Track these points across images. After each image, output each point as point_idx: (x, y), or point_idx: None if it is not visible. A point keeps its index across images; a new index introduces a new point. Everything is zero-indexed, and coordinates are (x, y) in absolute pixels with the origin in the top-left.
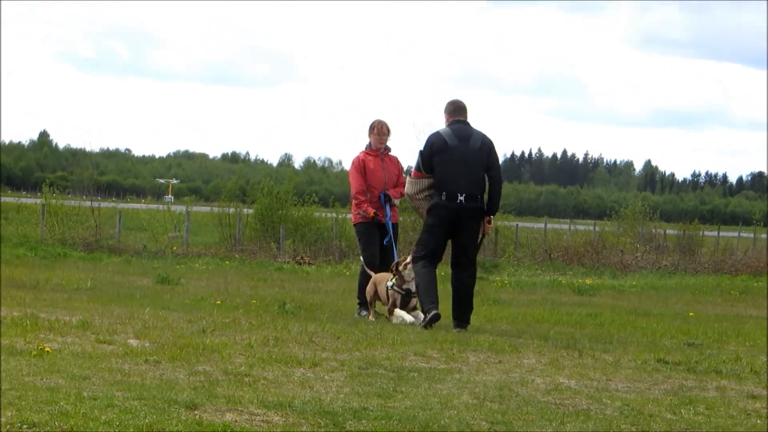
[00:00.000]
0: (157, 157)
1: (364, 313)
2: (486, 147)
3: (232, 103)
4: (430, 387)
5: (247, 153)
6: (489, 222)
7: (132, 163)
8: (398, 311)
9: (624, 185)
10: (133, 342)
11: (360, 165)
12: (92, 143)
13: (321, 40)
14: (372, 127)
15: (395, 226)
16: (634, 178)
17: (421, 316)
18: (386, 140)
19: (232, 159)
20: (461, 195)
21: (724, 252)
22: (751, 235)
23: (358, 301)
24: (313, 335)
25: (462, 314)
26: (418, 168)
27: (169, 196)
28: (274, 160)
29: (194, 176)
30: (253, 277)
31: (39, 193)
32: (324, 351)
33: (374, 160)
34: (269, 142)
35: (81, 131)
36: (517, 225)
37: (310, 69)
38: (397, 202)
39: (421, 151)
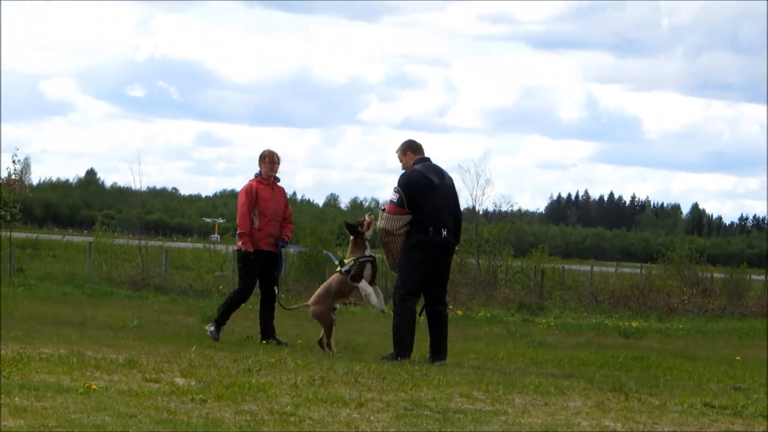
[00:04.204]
0: (203, 196)
1: (212, 329)
2: (454, 184)
3: (278, 142)
4: (475, 429)
5: (294, 193)
6: (455, 254)
7: (178, 202)
8: (366, 285)
9: (671, 228)
10: (179, 380)
11: (252, 193)
12: (140, 182)
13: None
14: (263, 156)
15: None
16: (681, 222)
17: (379, 297)
18: (277, 169)
19: None
20: (445, 230)
21: None
22: None
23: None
24: (359, 375)
25: (443, 347)
26: (400, 204)
27: (215, 235)
28: (320, 200)
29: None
30: (298, 317)
31: (86, 231)
32: (369, 391)
33: (266, 189)
34: (315, 183)
35: (128, 170)
36: (563, 267)
37: (355, 110)
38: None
39: (402, 188)
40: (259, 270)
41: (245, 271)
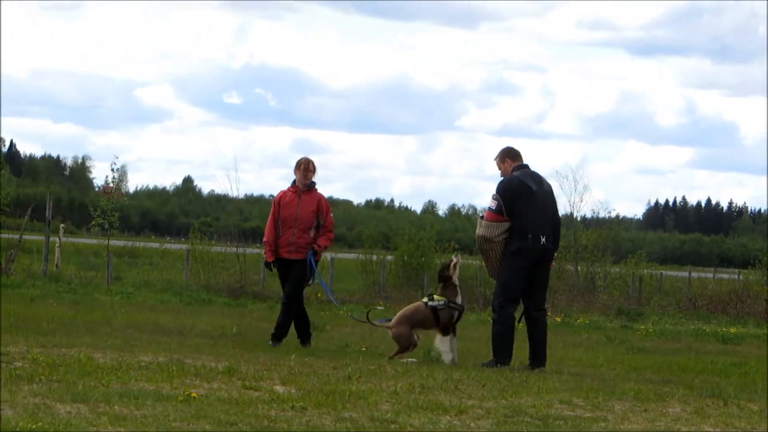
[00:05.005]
0: None
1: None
2: (552, 190)
3: (376, 149)
4: None
5: (392, 200)
6: (553, 260)
7: None
8: (443, 341)
9: None
10: (279, 388)
11: (276, 203)
12: (237, 189)
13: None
14: (299, 164)
15: (315, 263)
16: None
17: (454, 350)
18: (311, 177)
19: (376, 206)
20: (543, 237)
21: None
22: None
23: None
24: (459, 383)
25: (542, 353)
26: (499, 211)
27: None
28: (417, 207)
29: (338, 223)
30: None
31: (183, 239)
32: (470, 398)
33: (292, 196)
34: (413, 190)
35: (225, 177)
36: (661, 274)
37: (453, 117)
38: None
39: (501, 195)
40: (282, 277)
41: (278, 279)
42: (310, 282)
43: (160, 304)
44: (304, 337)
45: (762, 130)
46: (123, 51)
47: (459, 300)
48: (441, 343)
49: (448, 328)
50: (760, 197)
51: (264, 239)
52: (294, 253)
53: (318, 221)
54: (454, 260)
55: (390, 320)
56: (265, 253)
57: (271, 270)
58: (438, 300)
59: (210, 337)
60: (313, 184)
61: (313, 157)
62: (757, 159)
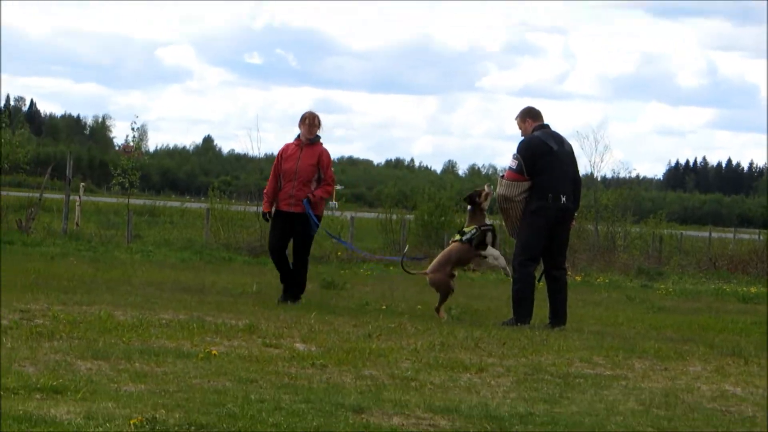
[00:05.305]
0: None
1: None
2: (573, 150)
3: (397, 109)
4: (596, 393)
5: (412, 160)
6: (573, 220)
7: None
8: (493, 250)
9: None
10: (299, 346)
11: (279, 156)
12: (257, 148)
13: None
14: (303, 118)
15: (318, 218)
16: None
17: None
18: (316, 131)
19: (396, 165)
20: (564, 196)
21: None
22: None
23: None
24: (479, 341)
25: (562, 312)
26: (519, 171)
27: (334, 202)
28: (438, 167)
29: (358, 182)
30: (417, 283)
31: (203, 198)
32: (490, 357)
33: (294, 149)
34: (434, 150)
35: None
36: (681, 234)
37: (475, 75)
38: (331, 203)
39: (522, 155)
40: (280, 230)
41: (269, 230)
42: (313, 232)
43: (180, 263)
44: (296, 293)
45: None
46: (144, 11)
47: (488, 222)
48: (490, 256)
49: (485, 243)
50: None
51: (264, 190)
52: (294, 206)
53: (318, 174)
54: (486, 189)
55: (422, 258)
56: (263, 203)
57: (267, 221)
58: (469, 230)
59: (230, 295)
60: (318, 137)
61: (333, 117)
62: None
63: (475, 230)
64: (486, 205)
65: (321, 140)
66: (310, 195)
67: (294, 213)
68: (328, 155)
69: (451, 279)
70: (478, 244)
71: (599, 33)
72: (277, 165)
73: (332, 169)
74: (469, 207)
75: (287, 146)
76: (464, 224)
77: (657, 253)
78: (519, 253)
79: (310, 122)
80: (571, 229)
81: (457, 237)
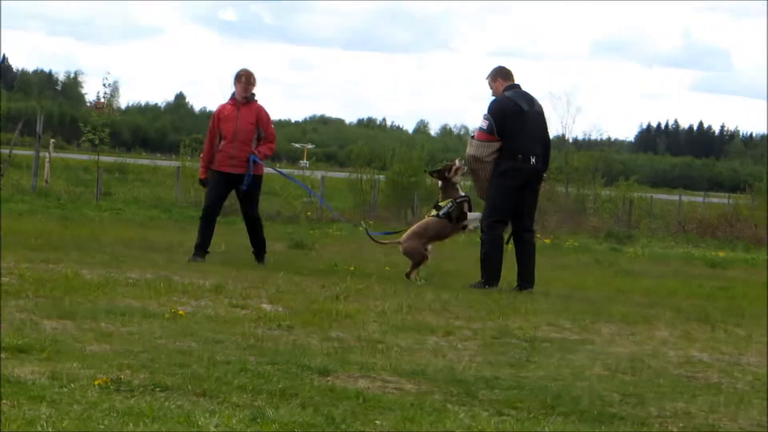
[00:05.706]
0: (292, 121)
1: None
2: (543, 111)
3: (370, 68)
4: (562, 357)
5: (384, 119)
6: (543, 181)
7: None
8: (471, 214)
9: (760, 158)
10: (266, 307)
11: (215, 117)
12: None
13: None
14: (239, 76)
15: (258, 177)
16: None
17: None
18: (251, 89)
19: (368, 125)
20: (534, 157)
21: None
22: None
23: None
24: (447, 303)
25: (530, 275)
26: (490, 131)
27: (305, 161)
28: (410, 127)
29: (330, 141)
30: (386, 244)
31: (174, 156)
32: (457, 319)
33: (231, 109)
34: (406, 110)
35: (218, 94)
36: (651, 197)
37: (449, 35)
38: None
39: (492, 115)
40: (222, 191)
41: (206, 192)
42: (244, 186)
43: (149, 221)
44: (260, 253)
45: (758, 55)
46: None
47: (462, 193)
48: (471, 223)
49: (464, 215)
50: (752, 121)
51: (200, 155)
52: (236, 168)
53: (258, 133)
54: (457, 164)
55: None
56: (200, 169)
57: (204, 186)
58: (444, 204)
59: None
60: (253, 95)
61: (306, 74)
62: (750, 84)
63: (451, 203)
64: (457, 179)
65: (256, 98)
66: (255, 151)
67: (236, 174)
68: (267, 112)
69: (425, 248)
70: (458, 216)
71: None
72: (213, 127)
73: (272, 126)
74: (440, 183)
75: (223, 107)
76: (438, 199)
77: (627, 216)
78: (487, 215)
79: (246, 80)
80: (541, 191)
81: (433, 212)
